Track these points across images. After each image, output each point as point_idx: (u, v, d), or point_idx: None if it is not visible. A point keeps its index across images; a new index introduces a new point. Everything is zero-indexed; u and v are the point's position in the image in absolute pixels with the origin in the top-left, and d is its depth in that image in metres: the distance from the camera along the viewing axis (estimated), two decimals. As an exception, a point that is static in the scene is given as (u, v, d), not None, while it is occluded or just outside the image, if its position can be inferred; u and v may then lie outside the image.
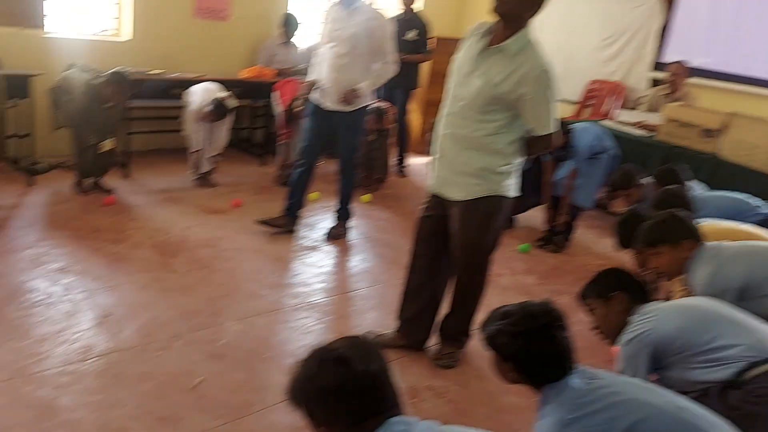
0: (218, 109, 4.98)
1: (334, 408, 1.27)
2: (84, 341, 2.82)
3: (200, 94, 5.04)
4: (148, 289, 3.38)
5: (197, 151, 5.17)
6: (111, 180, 4.91)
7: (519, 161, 2.67)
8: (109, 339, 2.87)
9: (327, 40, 4.04)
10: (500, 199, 2.64)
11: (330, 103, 4.05)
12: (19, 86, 4.50)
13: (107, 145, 4.67)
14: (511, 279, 4.07)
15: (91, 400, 2.44)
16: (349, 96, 3.96)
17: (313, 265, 3.99)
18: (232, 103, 5.12)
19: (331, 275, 3.95)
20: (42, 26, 5.19)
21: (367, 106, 4.24)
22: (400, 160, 6.33)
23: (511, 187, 2.68)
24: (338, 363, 1.28)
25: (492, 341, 1.69)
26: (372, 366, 1.29)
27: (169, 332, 2.98)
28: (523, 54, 2.43)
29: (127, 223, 4.29)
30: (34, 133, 4.75)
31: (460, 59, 2.60)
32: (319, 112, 4.13)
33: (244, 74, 5.97)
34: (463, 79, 2.53)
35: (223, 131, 5.22)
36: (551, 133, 2.54)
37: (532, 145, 2.62)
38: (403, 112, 6.12)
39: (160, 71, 5.50)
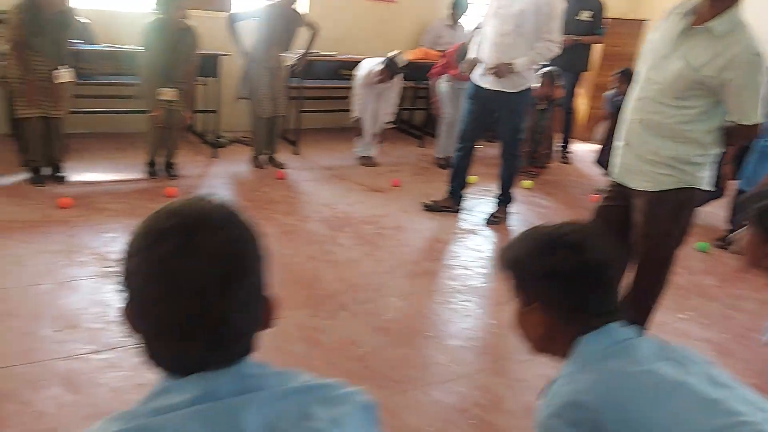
0: (390, 67, 5.05)
1: (555, 292, 1.19)
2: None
3: (370, 63, 5.17)
4: (317, 261, 3.55)
5: (359, 119, 5.27)
6: (283, 156, 5.22)
7: (716, 152, 2.44)
8: (282, 304, 3.05)
9: (492, 17, 3.97)
10: (692, 191, 2.44)
11: (489, 84, 3.99)
12: (209, 66, 4.90)
13: (287, 60, 4.92)
14: (688, 278, 3.77)
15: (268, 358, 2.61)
16: (503, 69, 3.87)
17: (473, 249, 3.96)
18: (403, 59, 5.16)
19: (492, 260, 3.91)
20: (229, 9, 5.59)
21: (530, 88, 4.11)
22: (565, 146, 6.09)
23: (705, 180, 2.46)
24: (574, 248, 1.18)
25: (763, 217, 1.55)
26: (607, 261, 1.19)
27: (336, 303, 3.11)
28: (731, 36, 2.20)
29: (298, 197, 4.55)
30: (219, 110, 5.16)
31: (657, 40, 2.41)
32: (479, 93, 4.08)
33: (409, 56, 6.04)
34: (660, 61, 2.35)
35: (391, 98, 5.28)
36: (757, 124, 2.30)
37: (732, 135, 2.38)
38: (570, 96, 5.86)
39: (332, 53, 5.72)
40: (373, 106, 5.27)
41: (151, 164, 4.61)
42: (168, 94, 4.31)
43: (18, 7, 3.77)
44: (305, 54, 5.01)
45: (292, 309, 3.00)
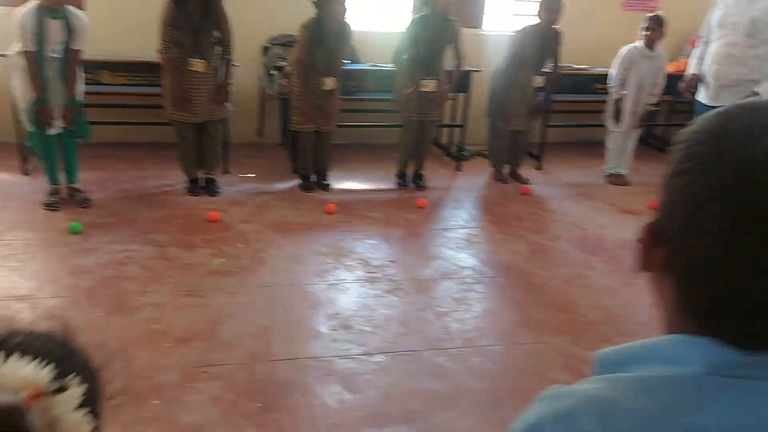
0: (657, 20, 4.72)
1: None
2: (525, 323, 2.99)
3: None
4: (572, 285, 3.41)
5: (619, 99, 4.95)
6: (525, 171, 5.14)
7: None
8: (541, 327, 2.98)
9: (717, 27, 3.51)
10: None
11: (717, 101, 3.53)
12: (460, 81, 5.00)
13: (537, 82, 4.84)
14: None
15: (528, 383, 2.56)
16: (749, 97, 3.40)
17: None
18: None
19: None
20: (481, 25, 5.68)
21: None
22: None
23: None
24: None
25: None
26: None
27: (597, 333, 2.95)
28: None
29: (544, 215, 4.44)
30: (466, 124, 5.25)
31: None
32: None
33: (670, 68, 5.58)
34: None
35: (657, 76, 4.93)
36: None
37: None
38: None
39: (584, 66, 5.52)
40: (635, 91, 4.89)
41: (402, 175, 4.83)
42: (429, 85, 4.47)
43: (305, 26, 4.20)
44: (554, 72, 4.87)
45: (552, 334, 2.92)
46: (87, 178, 4.14)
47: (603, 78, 5.27)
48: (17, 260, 3.19)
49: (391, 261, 3.55)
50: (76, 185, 3.98)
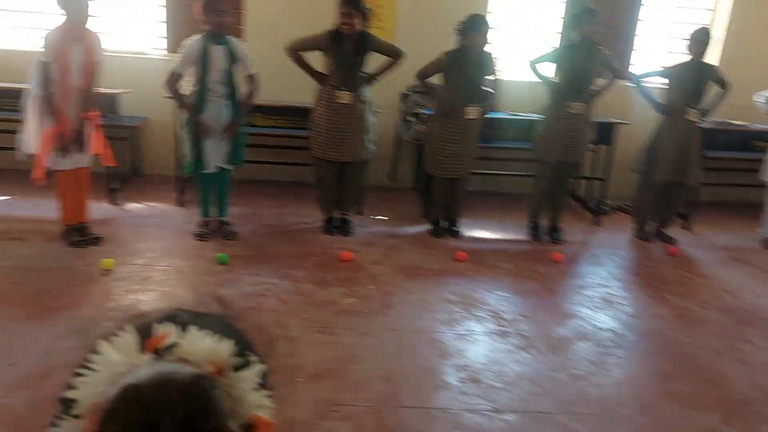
0: None
1: None
2: (670, 395, 2.76)
3: None
4: (724, 357, 3.11)
5: None
6: (672, 230, 4.82)
7: None
8: (690, 402, 2.73)
9: None
10: None
11: None
12: (603, 133, 4.84)
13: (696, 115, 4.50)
14: None
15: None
16: None
17: None
18: None
19: None
20: (625, 77, 5.47)
21: None
22: None
23: None
24: None
25: None
26: None
27: (753, 413, 2.64)
28: None
29: (692, 278, 4.11)
30: (608, 178, 5.04)
31: None
32: None
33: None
34: None
35: None
36: None
37: None
38: None
39: (743, 123, 5.14)
40: None
41: (535, 226, 4.70)
42: (577, 107, 4.34)
43: (447, 52, 4.23)
44: (710, 111, 4.53)
45: (700, 409, 2.66)
46: (234, 213, 4.41)
47: (762, 135, 4.89)
48: (170, 285, 3.44)
49: (523, 315, 3.43)
50: (225, 218, 4.26)
